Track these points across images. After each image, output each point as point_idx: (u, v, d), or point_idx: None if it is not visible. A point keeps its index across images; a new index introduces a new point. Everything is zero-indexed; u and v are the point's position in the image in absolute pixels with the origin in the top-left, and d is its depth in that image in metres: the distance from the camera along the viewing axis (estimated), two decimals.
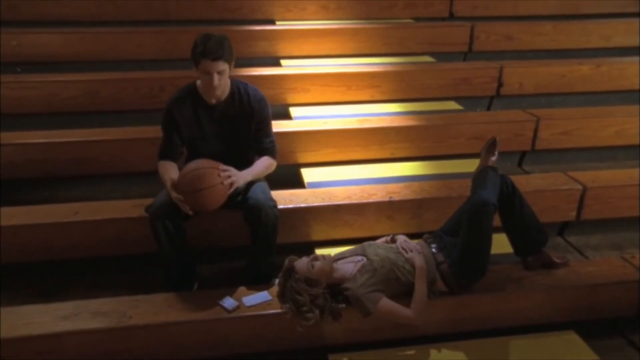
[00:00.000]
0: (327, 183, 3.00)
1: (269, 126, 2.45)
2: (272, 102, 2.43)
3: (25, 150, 2.93)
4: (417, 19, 4.66)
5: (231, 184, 2.20)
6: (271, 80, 3.58)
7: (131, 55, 3.87)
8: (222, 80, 2.25)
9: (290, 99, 3.64)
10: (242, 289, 2.31)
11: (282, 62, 4.08)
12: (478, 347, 2.33)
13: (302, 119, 3.49)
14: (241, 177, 2.27)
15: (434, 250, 2.33)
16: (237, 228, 2.44)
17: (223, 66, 2.21)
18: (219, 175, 2.19)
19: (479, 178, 2.33)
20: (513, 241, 2.48)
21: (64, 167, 2.97)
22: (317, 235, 2.72)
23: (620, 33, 4.66)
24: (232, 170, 2.24)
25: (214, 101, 2.32)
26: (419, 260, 2.22)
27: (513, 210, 2.37)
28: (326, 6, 4.49)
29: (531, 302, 2.41)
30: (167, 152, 2.38)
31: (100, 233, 2.53)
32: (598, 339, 2.41)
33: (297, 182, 3.10)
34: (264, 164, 2.44)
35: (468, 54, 4.44)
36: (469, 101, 3.88)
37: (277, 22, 4.42)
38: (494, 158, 2.46)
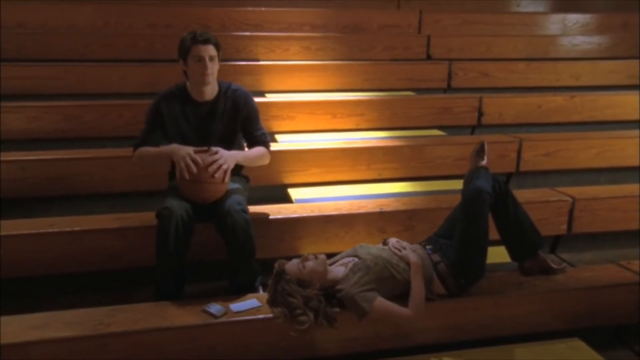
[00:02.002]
0: (315, 199, 2.93)
1: (257, 119, 2.45)
2: None
3: None
4: (395, 61, 4.84)
5: (225, 172, 2.19)
6: None
7: (115, 88, 3.86)
8: (214, 67, 2.29)
9: (276, 126, 3.65)
10: (228, 299, 2.16)
11: (267, 95, 4.13)
12: (481, 356, 2.20)
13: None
14: (230, 157, 2.24)
15: (429, 251, 2.25)
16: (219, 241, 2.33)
17: (213, 51, 2.28)
18: (213, 176, 2.16)
19: (471, 176, 2.31)
20: (509, 244, 2.42)
21: (41, 186, 2.83)
22: (306, 249, 2.60)
23: (588, 73, 4.91)
24: (219, 155, 2.21)
25: (200, 99, 2.33)
26: (413, 257, 2.14)
27: (507, 211, 2.33)
28: (308, 47, 4.64)
29: (532, 307, 2.31)
30: (146, 144, 2.34)
31: (77, 246, 2.38)
32: (603, 350, 2.30)
33: (285, 202, 3.02)
34: (257, 151, 2.42)
35: (447, 90, 4.58)
36: (451, 130, 3.95)
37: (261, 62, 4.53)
38: (483, 162, 2.45)
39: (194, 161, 2.15)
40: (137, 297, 2.37)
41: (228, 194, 2.27)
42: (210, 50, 2.26)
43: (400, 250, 2.18)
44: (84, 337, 1.89)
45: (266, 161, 2.49)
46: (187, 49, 2.25)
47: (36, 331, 1.90)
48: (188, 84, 2.37)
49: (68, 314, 2.03)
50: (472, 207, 2.14)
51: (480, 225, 2.13)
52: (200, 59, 2.24)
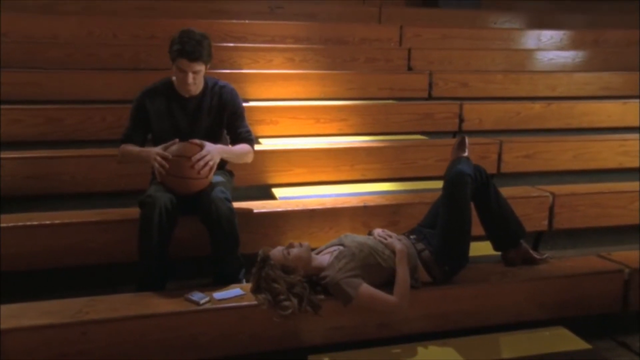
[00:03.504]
0: (299, 197, 2.93)
1: (243, 116, 2.46)
2: None
3: None
4: (377, 72, 4.92)
5: (211, 169, 2.18)
6: None
7: (98, 95, 3.81)
8: (196, 79, 2.27)
9: (260, 130, 3.65)
10: (211, 289, 2.13)
11: (251, 102, 4.15)
12: (467, 344, 2.20)
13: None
14: (216, 153, 2.23)
15: (413, 240, 2.26)
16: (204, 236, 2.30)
17: (199, 67, 2.24)
18: (199, 173, 2.16)
19: (452, 164, 2.34)
20: (492, 234, 2.44)
21: (21, 185, 2.79)
22: None
23: (564, 84, 5.05)
24: (206, 151, 2.19)
25: (187, 95, 2.32)
26: (398, 244, 2.15)
27: (489, 200, 2.36)
28: (292, 58, 4.70)
29: (516, 295, 2.33)
30: (131, 139, 2.34)
31: (57, 240, 2.33)
32: (587, 339, 2.31)
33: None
34: (241, 148, 2.41)
35: (428, 99, 4.67)
36: (433, 135, 4.01)
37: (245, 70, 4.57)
38: (465, 154, 2.48)
39: (164, 157, 2.15)
40: (120, 292, 2.32)
41: (212, 185, 2.27)
42: (196, 66, 2.20)
43: (385, 239, 2.19)
44: (62, 324, 1.84)
45: (250, 159, 2.49)
46: (173, 56, 2.20)
47: (11, 320, 1.84)
48: (174, 78, 2.36)
49: (46, 304, 1.98)
50: (454, 190, 2.17)
51: (462, 209, 2.15)
52: (184, 73, 2.21)
